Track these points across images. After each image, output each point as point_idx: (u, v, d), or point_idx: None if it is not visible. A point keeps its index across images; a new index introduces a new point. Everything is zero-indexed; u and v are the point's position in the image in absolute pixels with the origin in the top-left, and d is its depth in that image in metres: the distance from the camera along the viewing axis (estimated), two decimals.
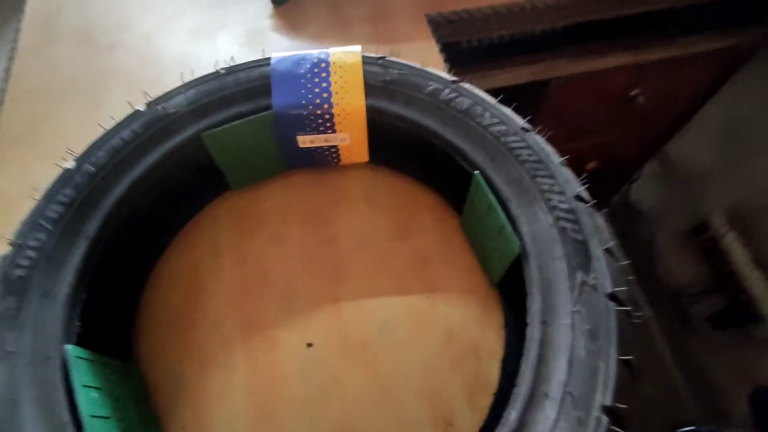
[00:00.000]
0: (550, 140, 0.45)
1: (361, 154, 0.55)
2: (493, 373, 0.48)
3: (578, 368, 0.34)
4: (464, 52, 0.85)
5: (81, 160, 0.43)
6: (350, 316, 0.50)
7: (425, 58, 0.69)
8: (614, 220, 1.86)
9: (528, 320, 0.38)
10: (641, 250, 1.72)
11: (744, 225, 1.33)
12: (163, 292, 0.51)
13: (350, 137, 0.52)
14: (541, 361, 0.35)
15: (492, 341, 0.49)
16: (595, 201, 0.41)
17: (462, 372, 0.48)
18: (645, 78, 1.08)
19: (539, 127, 0.47)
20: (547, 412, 0.33)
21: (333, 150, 0.54)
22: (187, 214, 0.54)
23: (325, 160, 0.56)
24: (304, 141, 0.52)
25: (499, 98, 0.48)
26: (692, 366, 1.50)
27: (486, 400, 0.46)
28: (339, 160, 0.57)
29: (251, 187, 0.58)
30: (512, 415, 0.34)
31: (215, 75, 0.48)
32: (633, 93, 1.13)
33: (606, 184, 1.72)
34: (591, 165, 1.40)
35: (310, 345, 0.48)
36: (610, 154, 1.38)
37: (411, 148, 0.51)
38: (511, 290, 0.49)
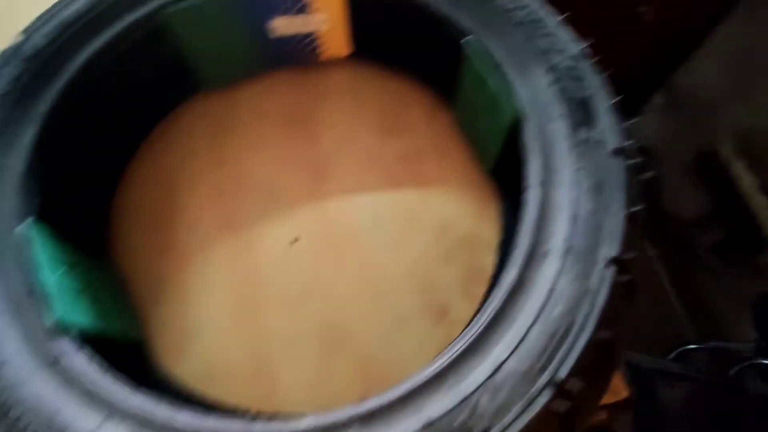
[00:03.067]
0: None
1: (342, 43, 0.51)
2: (488, 263, 0.45)
3: (581, 223, 0.31)
4: None
5: (28, 33, 0.38)
6: (336, 211, 0.47)
7: None
8: None
9: (527, 184, 0.34)
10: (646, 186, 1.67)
11: (752, 152, 1.28)
12: (137, 192, 0.48)
13: (329, 20, 0.47)
14: (542, 220, 0.32)
15: (488, 233, 0.46)
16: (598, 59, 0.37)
17: (456, 264, 0.45)
18: None
19: None
20: (549, 269, 0.30)
21: (310, 40, 0.50)
22: (155, 111, 0.50)
23: (303, 53, 0.52)
24: (279, 25, 0.47)
25: None
26: (695, 294, 1.48)
27: (481, 289, 0.43)
28: (318, 52, 0.52)
29: (225, 88, 0.53)
30: (512, 273, 0.31)
31: None
32: (640, 9, 1.05)
33: None
34: None
35: (294, 241, 0.45)
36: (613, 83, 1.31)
37: (395, 26, 0.46)
38: (505, 174, 0.45)
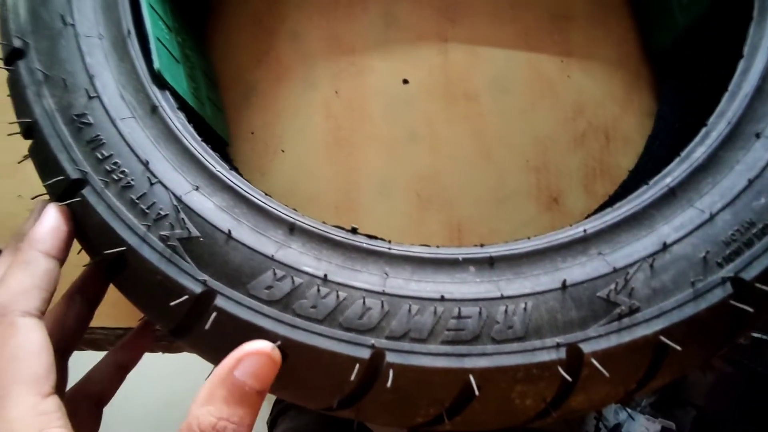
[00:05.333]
0: None
1: None
2: (623, 161, 0.38)
3: None
4: None
5: None
6: (459, 61, 0.40)
7: None
8: None
9: (748, 48, 0.26)
10: None
11: None
12: None
13: None
14: (760, 95, 0.25)
15: (630, 128, 0.39)
16: None
17: (584, 152, 0.38)
18: None
19: None
20: (757, 153, 0.23)
21: None
22: None
23: None
24: None
25: None
26: None
27: (606, 188, 0.37)
28: None
29: None
30: (698, 151, 0.24)
31: None
32: None
33: None
34: None
35: (405, 82, 0.40)
36: None
37: None
38: (683, 55, 0.36)
